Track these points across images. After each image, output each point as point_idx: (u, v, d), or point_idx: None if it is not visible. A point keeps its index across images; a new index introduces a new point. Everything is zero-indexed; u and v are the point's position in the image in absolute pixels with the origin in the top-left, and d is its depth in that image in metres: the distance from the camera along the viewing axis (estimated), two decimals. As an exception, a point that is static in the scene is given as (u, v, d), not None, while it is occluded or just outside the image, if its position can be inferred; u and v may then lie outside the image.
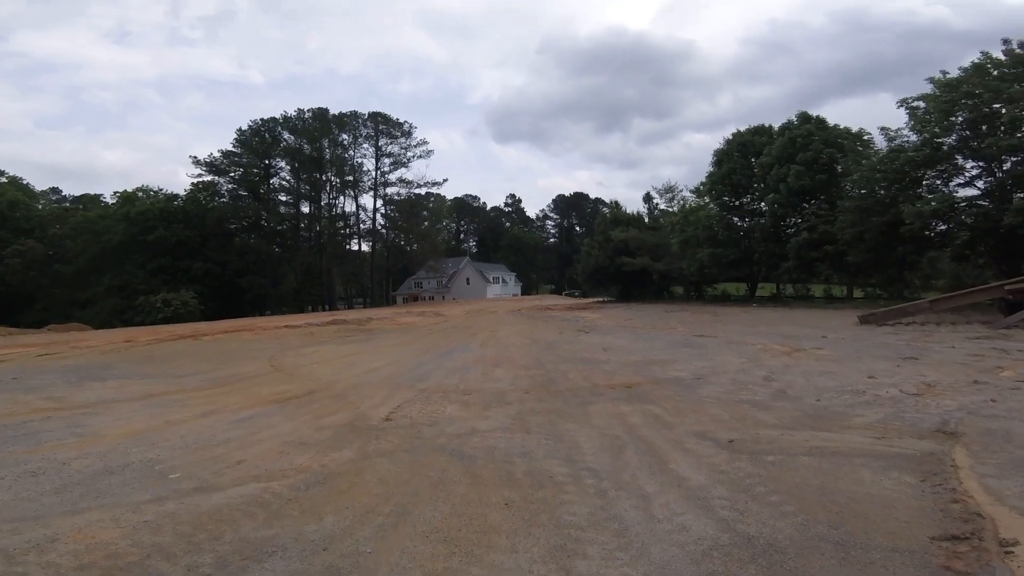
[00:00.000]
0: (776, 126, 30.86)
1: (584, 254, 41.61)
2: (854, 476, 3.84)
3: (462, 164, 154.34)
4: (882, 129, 22.54)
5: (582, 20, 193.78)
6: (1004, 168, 19.00)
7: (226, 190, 56.09)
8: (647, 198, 42.95)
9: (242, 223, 56.22)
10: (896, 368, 8.47)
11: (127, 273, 46.39)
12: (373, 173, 61.01)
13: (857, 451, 4.44)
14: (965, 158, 19.71)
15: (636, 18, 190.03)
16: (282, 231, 58.75)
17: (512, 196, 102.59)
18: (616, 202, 44.91)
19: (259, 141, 56.07)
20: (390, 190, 61.67)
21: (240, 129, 56.48)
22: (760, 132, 31.35)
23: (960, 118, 18.73)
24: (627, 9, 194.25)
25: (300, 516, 3.34)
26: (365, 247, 64.34)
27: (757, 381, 7.79)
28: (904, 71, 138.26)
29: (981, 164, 19.62)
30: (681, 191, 39.04)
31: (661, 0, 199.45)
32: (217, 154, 54.59)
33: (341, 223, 61.86)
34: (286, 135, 57.60)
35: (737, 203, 32.32)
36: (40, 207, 59.61)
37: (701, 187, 35.38)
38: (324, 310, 51.83)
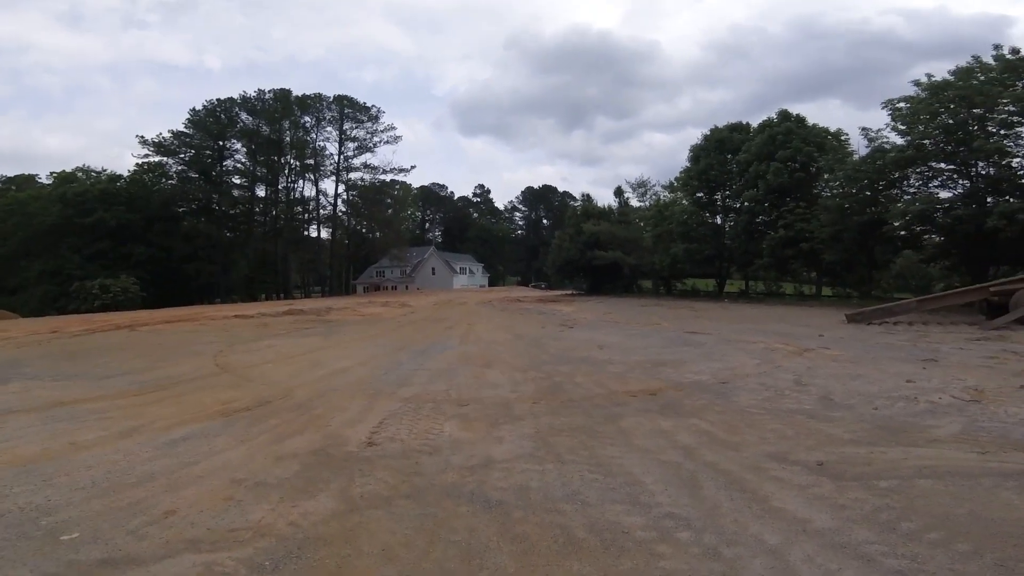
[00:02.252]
0: (752, 125, 30.70)
1: (554, 246, 40.66)
2: (999, 500, 3.22)
3: (427, 155, 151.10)
4: (863, 129, 22.50)
5: (550, 18, 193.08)
6: (983, 172, 19.11)
7: (175, 172, 52.40)
8: (618, 192, 42.37)
9: (191, 206, 52.55)
10: (923, 371, 7.83)
11: (61, 257, 42.45)
12: (336, 157, 58.22)
13: (973, 470, 3.75)
14: (947, 161, 19.69)
15: (604, 18, 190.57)
16: (234, 215, 55.22)
17: (481, 186, 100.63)
18: (588, 195, 44.14)
19: (214, 121, 52.54)
20: (353, 175, 59.03)
21: (194, 109, 52.71)
22: (738, 129, 31.04)
23: (947, 121, 18.66)
24: (596, 9, 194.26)
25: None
26: (324, 234, 61.43)
27: (789, 386, 6.97)
28: (853, 79, 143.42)
29: (960, 167, 19.67)
30: (653, 186, 38.63)
31: (630, 1, 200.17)
32: (167, 135, 50.82)
33: (299, 208, 58.76)
34: (244, 116, 54.36)
35: (712, 199, 31.98)
36: (-35, 188, 53.86)
37: (675, 182, 34.96)
38: (279, 299, 49.01)
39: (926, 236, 21.57)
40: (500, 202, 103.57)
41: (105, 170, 49.98)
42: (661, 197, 36.65)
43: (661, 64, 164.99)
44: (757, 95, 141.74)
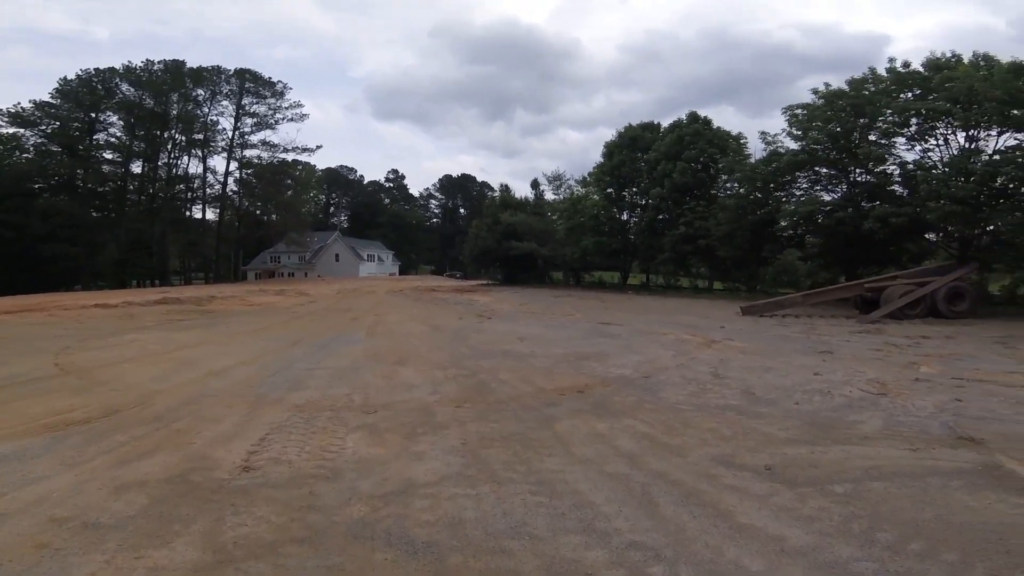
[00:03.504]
0: (664, 125, 31.91)
1: (472, 235, 40.02)
2: (956, 502, 3.16)
3: (337, 137, 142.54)
4: (761, 133, 24.05)
5: (480, 8, 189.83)
6: (860, 179, 21.21)
7: (32, 145, 45.42)
8: (535, 184, 42.65)
9: (49, 182, 45.36)
10: (825, 363, 8.20)
11: None
12: (230, 133, 52.75)
13: (915, 469, 3.72)
14: (831, 167, 21.55)
15: (533, 12, 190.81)
16: (103, 193, 48.44)
17: (395, 171, 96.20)
18: (506, 186, 43.83)
19: (87, 92, 46.16)
20: (250, 152, 53.88)
21: (64, 78, 45.86)
22: (649, 128, 32.10)
23: (835, 128, 20.36)
24: (527, 2, 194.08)
25: None
26: (212, 215, 55.61)
27: (709, 379, 6.97)
28: (751, 88, 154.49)
29: (840, 173, 21.65)
30: (568, 180, 39.28)
31: None
32: (28, 105, 43.68)
33: (182, 186, 52.64)
34: (125, 87, 48.22)
35: (621, 195, 32.95)
36: None
37: (588, 177, 35.67)
38: (154, 286, 43.64)
39: (809, 236, 23.55)
40: (416, 189, 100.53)
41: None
42: (575, 191, 37.37)
43: (582, 62, 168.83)
44: (665, 99, 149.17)
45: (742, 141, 28.82)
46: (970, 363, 8.25)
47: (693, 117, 29.46)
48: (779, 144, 22.71)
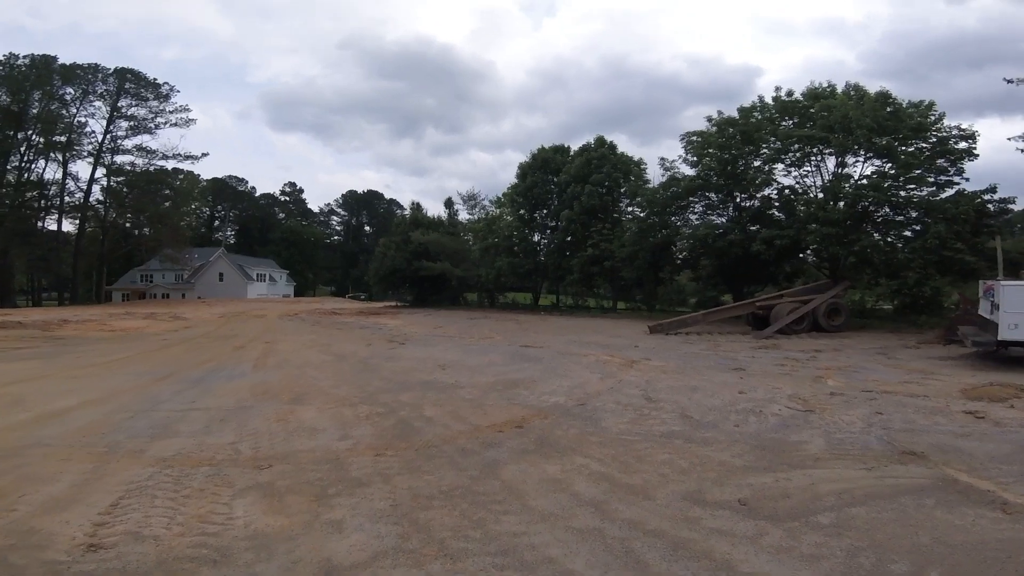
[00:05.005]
0: (573, 148, 32.81)
1: (378, 255, 38.02)
2: (943, 523, 3.08)
3: (228, 146, 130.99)
4: (661, 159, 25.34)
5: (394, 23, 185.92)
6: (744, 204, 22.99)
7: None
8: (448, 203, 41.83)
9: None
10: (742, 381, 8.39)
11: None
12: (100, 136, 46.28)
13: (883, 490, 3.66)
14: (718, 192, 23.10)
15: (449, 32, 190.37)
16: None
17: (292, 184, 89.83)
18: (417, 203, 42.44)
19: (-77, 87, 38.04)
20: (122, 159, 47.55)
21: None
22: (560, 151, 32.81)
23: (724, 155, 21.85)
24: (443, 21, 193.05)
25: None
26: (71, 227, 48.21)
27: (643, 403, 6.78)
28: (641, 116, 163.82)
29: (726, 197, 23.34)
30: (482, 200, 39.16)
31: (475, 20, 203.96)
32: None
33: (34, 193, 45.11)
34: None
35: (533, 216, 33.30)
36: None
37: (502, 198, 35.70)
38: (-6, 308, 36.66)
39: (703, 259, 25.07)
40: (314, 204, 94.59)
41: None
42: (489, 212, 37.27)
43: (494, 85, 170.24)
44: (566, 125, 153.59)
45: (643, 166, 30.40)
46: (865, 374, 8.86)
47: (600, 141, 30.62)
48: (676, 170, 24.04)
